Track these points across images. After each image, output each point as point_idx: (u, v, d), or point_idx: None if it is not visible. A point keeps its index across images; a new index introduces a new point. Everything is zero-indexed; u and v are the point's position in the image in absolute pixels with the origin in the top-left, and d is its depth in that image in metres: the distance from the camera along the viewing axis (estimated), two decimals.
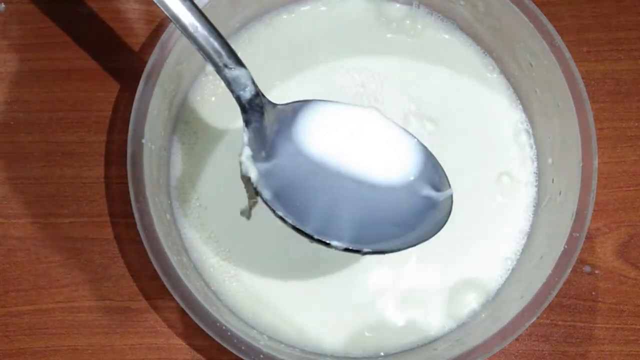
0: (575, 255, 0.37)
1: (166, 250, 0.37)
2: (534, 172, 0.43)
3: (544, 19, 0.40)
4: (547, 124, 0.42)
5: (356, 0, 0.45)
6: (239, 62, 0.33)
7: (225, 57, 0.33)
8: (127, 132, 0.38)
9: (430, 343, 0.40)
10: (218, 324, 0.36)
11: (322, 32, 0.44)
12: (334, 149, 0.34)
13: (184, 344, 0.42)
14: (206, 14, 0.39)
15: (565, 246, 0.38)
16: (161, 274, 0.36)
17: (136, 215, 0.37)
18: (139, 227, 0.37)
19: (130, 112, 0.38)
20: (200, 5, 0.39)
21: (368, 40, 0.44)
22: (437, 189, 0.35)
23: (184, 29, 0.33)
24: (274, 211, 0.32)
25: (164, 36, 0.39)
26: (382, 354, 0.40)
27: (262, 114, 0.33)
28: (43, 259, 0.43)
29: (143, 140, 0.37)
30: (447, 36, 0.45)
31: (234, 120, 0.43)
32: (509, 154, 0.43)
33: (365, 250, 0.33)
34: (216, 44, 0.33)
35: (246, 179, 0.33)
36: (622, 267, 0.44)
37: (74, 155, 0.44)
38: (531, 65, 0.41)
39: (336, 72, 0.44)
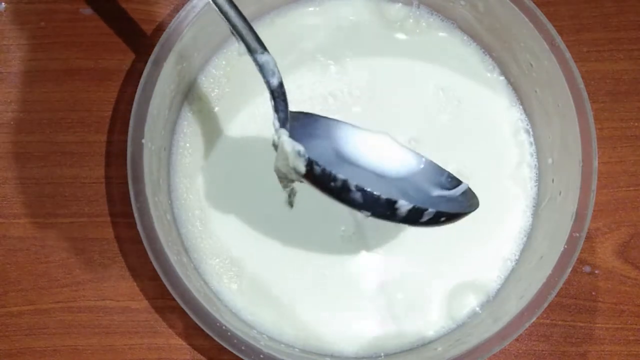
0: (575, 255, 0.37)
1: (166, 250, 0.37)
2: (534, 172, 0.43)
3: (544, 19, 0.40)
4: (547, 123, 0.42)
5: (357, 0, 0.45)
6: (265, 48, 0.36)
7: (256, 42, 0.35)
8: (127, 132, 0.38)
9: (430, 343, 0.40)
10: (218, 324, 0.36)
11: (323, 32, 0.44)
12: (347, 158, 0.36)
13: (184, 344, 0.42)
14: (206, 14, 0.39)
15: (565, 246, 0.38)
16: (161, 274, 0.36)
17: (136, 215, 0.37)
18: (139, 227, 0.37)
19: (130, 112, 0.38)
20: (200, 5, 0.39)
21: (368, 40, 0.44)
22: (448, 187, 0.36)
23: (225, 15, 0.35)
24: (328, 174, 0.33)
25: (164, 36, 0.39)
26: (382, 354, 0.40)
27: (286, 104, 0.35)
28: (43, 259, 0.43)
29: (143, 140, 0.37)
30: (447, 36, 0.45)
31: (233, 120, 0.43)
32: (509, 154, 0.43)
33: (430, 211, 0.34)
34: (250, 33, 0.35)
35: (282, 170, 0.34)
36: (622, 267, 0.44)
37: (74, 155, 0.44)
38: (531, 65, 0.42)
39: (336, 72, 0.44)
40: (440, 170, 0.37)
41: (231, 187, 0.42)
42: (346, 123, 0.37)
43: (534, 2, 0.40)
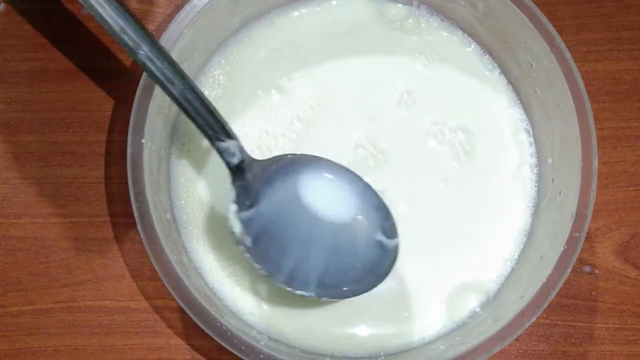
0: (575, 255, 0.37)
1: (166, 250, 0.37)
2: (534, 172, 0.43)
3: (544, 19, 0.40)
4: (547, 124, 0.42)
5: (357, 0, 0.45)
6: (229, 135, 0.37)
7: (219, 132, 0.36)
8: (127, 132, 0.38)
9: (430, 343, 0.40)
10: (218, 324, 0.36)
11: (323, 32, 0.44)
12: (301, 195, 0.38)
13: (184, 344, 0.42)
14: (206, 14, 0.39)
15: (565, 246, 0.38)
16: (161, 274, 0.36)
17: (136, 215, 0.37)
18: (139, 227, 0.37)
19: (130, 112, 0.38)
20: (200, 5, 0.39)
21: (369, 40, 0.44)
22: (388, 236, 0.39)
23: (179, 104, 0.35)
24: (252, 262, 0.38)
25: (163, 36, 0.39)
26: (382, 354, 0.40)
27: (245, 172, 0.37)
28: (43, 259, 0.43)
29: (143, 140, 0.37)
30: (447, 36, 0.45)
31: (233, 120, 0.43)
32: (509, 154, 0.43)
33: (325, 298, 0.38)
34: (211, 120, 0.36)
35: (231, 232, 0.37)
36: (622, 267, 0.44)
37: (74, 155, 0.44)
38: (531, 65, 0.42)
39: (336, 72, 0.44)
40: (389, 217, 0.39)
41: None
42: (311, 162, 0.39)
43: (534, 2, 0.40)
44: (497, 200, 0.43)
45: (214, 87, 0.43)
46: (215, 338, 0.36)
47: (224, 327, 0.36)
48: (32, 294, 0.43)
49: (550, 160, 0.42)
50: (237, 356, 0.36)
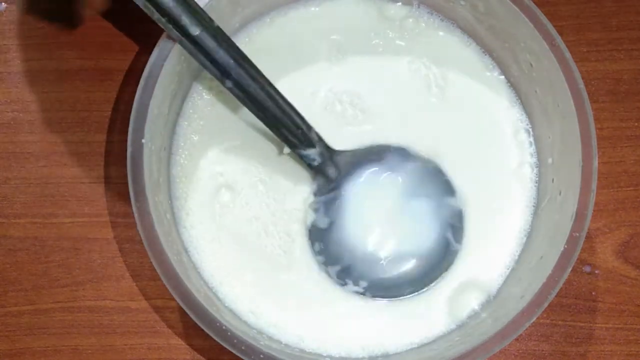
0: (575, 255, 0.37)
1: (166, 250, 0.37)
2: (534, 172, 0.43)
3: (544, 19, 0.40)
4: (547, 124, 0.42)
5: (356, 1, 0.45)
6: (312, 144, 0.39)
7: (304, 143, 0.39)
8: (127, 132, 0.38)
9: (430, 343, 0.40)
10: (218, 324, 0.36)
11: (323, 32, 0.44)
12: (382, 183, 0.41)
13: (184, 344, 0.42)
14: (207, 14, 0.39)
15: (565, 246, 0.37)
16: (161, 274, 0.36)
17: (136, 215, 0.37)
18: (139, 227, 0.37)
19: (130, 112, 0.38)
20: (200, 5, 0.39)
21: (369, 40, 0.44)
22: (455, 238, 0.41)
23: (266, 119, 0.38)
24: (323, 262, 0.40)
25: (164, 36, 0.39)
26: (382, 354, 0.40)
27: (327, 169, 0.40)
28: (43, 259, 0.43)
29: (143, 140, 0.37)
30: (447, 36, 0.45)
31: (234, 119, 0.43)
32: (509, 154, 0.43)
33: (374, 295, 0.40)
34: (298, 132, 0.39)
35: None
36: (622, 267, 0.44)
37: (74, 155, 0.44)
38: (531, 65, 0.41)
39: (337, 72, 0.44)
40: (461, 222, 0.41)
41: (232, 187, 0.42)
42: (394, 153, 0.41)
43: (534, 2, 0.40)
44: (497, 200, 0.43)
45: (214, 87, 0.43)
46: (215, 338, 0.36)
47: (224, 327, 0.36)
48: (32, 294, 0.43)
49: (550, 160, 0.42)
50: (237, 356, 0.36)
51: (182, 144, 0.42)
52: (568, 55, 0.39)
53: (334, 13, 0.45)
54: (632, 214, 0.45)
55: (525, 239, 0.42)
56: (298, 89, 0.43)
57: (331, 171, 0.40)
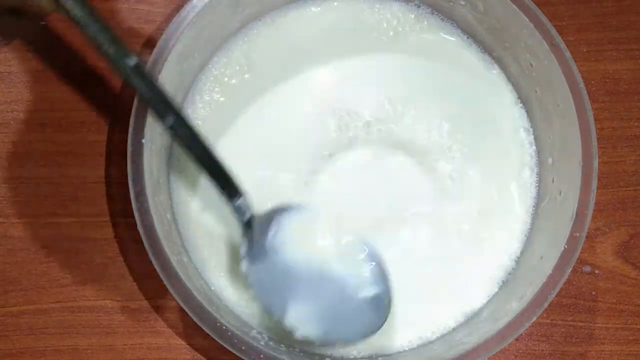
0: (575, 255, 0.37)
1: (166, 250, 0.37)
2: (534, 172, 0.43)
3: (544, 19, 0.40)
4: (547, 124, 0.42)
5: (356, 1, 0.45)
6: (241, 193, 0.38)
7: (234, 190, 0.38)
8: (127, 132, 0.38)
9: (430, 343, 0.40)
10: (218, 324, 0.36)
11: (322, 33, 0.44)
12: (302, 254, 0.40)
13: (184, 344, 0.42)
14: (206, 14, 0.39)
15: (565, 246, 0.38)
16: (161, 274, 0.36)
17: (136, 215, 0.37)
18: (139, 227, 0.37)
19: (130, 112, 0.38)
20: (200, 5, 0.39)
21: (368, 40, 0.44)
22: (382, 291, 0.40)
23: (203, 167, 0.37)
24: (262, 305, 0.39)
25: (164, 36, 0.39)
26: (382, 353, 0.40)
27: (252, 227, 0.39)
28: (43, 259, 0.43)
29: (143, 140, 0.37)
30: (447, 36, 0.45)
31: (233, 119, 0.43)
32: (509, 154, 0.43)
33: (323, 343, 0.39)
34: (229, 178, 0.37)
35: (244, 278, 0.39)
36: (622, 267, 0.44)
37: (74, 155, 0.44)
38: (531, 65, 0.42)
39: (337, 72, 0.44)
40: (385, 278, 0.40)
41: None
42: (303, 211, 0.40)
43: (534, 2, 0.40)
44: (497, 200, 0.43)
45: (214, 87, 0.43)
46: (215, 338, 0.36)
47: (224, 327, 0.36)
48: (32, 294, 0.43)
49: (550, 160, 0.42)
50: (237, 356, 0.36)
51: None
52: (568, 55, 0.39)
53: (334, 13, 0.45)
54: (632, 214, 0.45)
55: (525, 239, 0.42)
56: (298, 89, 0.43)
57: (255, 230, 0.39)
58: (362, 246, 0.40)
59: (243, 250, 0.39)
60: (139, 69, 0.34)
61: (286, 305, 0.38)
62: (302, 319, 0.38)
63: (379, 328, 0.39)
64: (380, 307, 0.39)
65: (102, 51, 0.33)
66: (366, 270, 0.40)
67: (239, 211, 0.38)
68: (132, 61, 0.33)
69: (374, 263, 0.40)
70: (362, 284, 0.39)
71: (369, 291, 0.39)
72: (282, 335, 0.40)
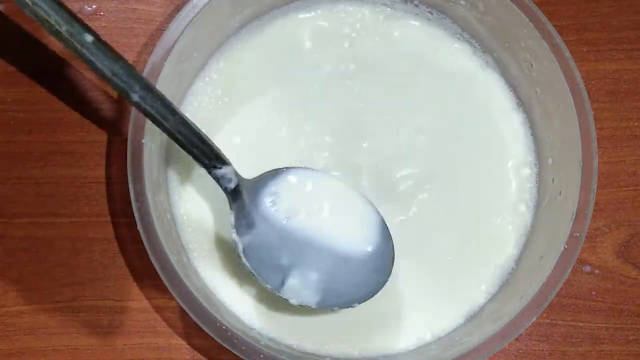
0: (575, 255, 0.37)
1: (166, 250, 0.37)
2: (534, 172, 0.43)
3: (544, 19, 0.40)
4: (547, 124, 0.42)
5: (355, 1, 0.45)
6: (224, 162, 0.37)
7: (214, 160, 0.37)
8: (127, 132, 0.38)
9: (429, 343, 0.40)
10: (218, 324, 0.36)
11: (322, 33, 0.44)
12: (298, 217, 0.39)
13: (184, 343, 0.42)
14: (206, 14, 0.39)
15: (565, 246, 0.38)
16: (161, 274, 0.36)
17: (136, 215, 0.37)
18: (139, 227, 0.37)
19: (130, 112, 0.38)
20: (200, 5, 0.39)
21: (368, 39, 0.44)
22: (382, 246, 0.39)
23: (174, 138, 0.36)
24: (257, 278, 0.38)
25: (164, 36, 0.39)
26: (382, 354, 0.40)
27: (242, 195, 0.38)
28: (43, 259, 0.43)
29: (143, 140, 0.37)
30: (446, 35, 0.45)
31: (233, 119, 0.43)
32: (509, 154, 0.43)
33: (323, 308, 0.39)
34: (206, 149, 0.36)
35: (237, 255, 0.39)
36: (622, 267, 0.44)
37: (74, 155, 0.44)
38: (531, 65, 0.42)
39: (338, 72, 0.44)
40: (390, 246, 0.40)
41: None
42: (301, 169, 0.40)
43: (534, 2, 0.40)
44: (497, 200, 0.43)
45: (214, 87, 0.43)
46: (215, 338, 0.36)
47: (224, 327, 0.36)
48: (32, 294, 0.43)
49: (550, 160, 0.42)
50: (237, 356, 0.36)
51: None
52: (568, 55, 0.39)
53: (334, 13, 0.45)
54: (632, 214, 0.45)
55: (525, 239, 0.42)
56: (297, 89, 0.43)
57: (245, 197, 0.38)
58: (362, 199, 0.40)
59: (232, 220, 0.38)
60: (98, 43, 0.32)
61: (282, 273, 0.38)
62: (299, 286, 0.38)
63: (383, 284, 0.38)
64: (383, 264, 0.39)
65: (54, 30, 0.31)
66: (366, 227, 0.39)
67: (222, 180, 0.37)
68: (89, 37, 0.32)
69: (374, 218, 0.39)
70: (361, 240, 0.39)
71: (369, 247, 0.39)
72: (281, 335, 0.40)
